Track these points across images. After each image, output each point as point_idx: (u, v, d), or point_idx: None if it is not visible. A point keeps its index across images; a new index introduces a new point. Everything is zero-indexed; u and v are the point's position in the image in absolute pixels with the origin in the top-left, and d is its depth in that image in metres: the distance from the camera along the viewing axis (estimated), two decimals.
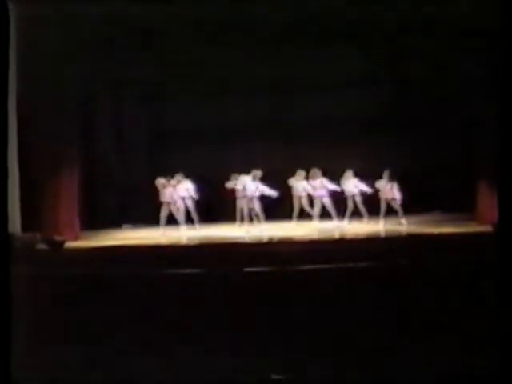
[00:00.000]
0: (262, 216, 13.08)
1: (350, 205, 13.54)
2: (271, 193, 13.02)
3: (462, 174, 13.54)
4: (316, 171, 13.29)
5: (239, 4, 10.12)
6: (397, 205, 13.01)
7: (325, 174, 13.35)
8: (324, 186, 13.23)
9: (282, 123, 15.64)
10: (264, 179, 13.15)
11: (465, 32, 11.14)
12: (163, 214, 13.00)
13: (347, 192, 13.51)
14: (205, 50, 12.09)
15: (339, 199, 13.62)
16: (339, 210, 13.60)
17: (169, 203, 13.03)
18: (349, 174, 13.50)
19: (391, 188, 13.03)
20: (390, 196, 13.09)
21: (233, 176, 13.32)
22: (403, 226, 12.69)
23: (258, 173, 13.12)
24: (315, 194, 13.33)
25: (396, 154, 14.86)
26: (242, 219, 13.29)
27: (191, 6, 10.17)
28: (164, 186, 13.02)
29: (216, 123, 15.66)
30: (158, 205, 13.20)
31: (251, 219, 13.19)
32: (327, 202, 13.24)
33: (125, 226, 14.61)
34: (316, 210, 13.36)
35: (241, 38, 11.50)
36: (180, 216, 13.23)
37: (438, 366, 5.37)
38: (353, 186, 13.43)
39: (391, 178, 13.10)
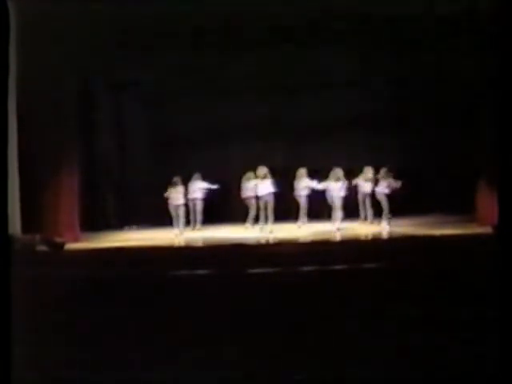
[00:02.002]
0: (260, 215, 12.92)
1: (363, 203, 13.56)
2: (271, 190, 12.78)
3: (461, 174, 13.55)
4: (339, 171, 13.00)
5: (239, 5, 10.12)
6: (385, 203, 12.96)
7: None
8: (342, 187, 12.95)
9: (282, 123, 15.65)
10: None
11: (465, 32, 11.14)
12: (181, 213, 13.00)
13: (362, 191, 13.48)
14: (205, 50, 12.10)
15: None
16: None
17: (180, 204, 13.05)
18: (368, 170, 13.37)
19: (387, 185, 13.01)
20: (384, 192, 13.07)
21: (246, 176, 13.25)
22: (386, 228, 12.66)
23: (264, 170, 12.85)
24: (332, 194, 13.10)
25: (396, 153, 14.88)
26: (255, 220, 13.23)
27: (191, 7, 10.17)
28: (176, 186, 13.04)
29: (216, 123, 15.67)
30: (158, 206, 13.21)
31: (256, 220, 13.13)
32: (338, 204, 12.94)
33: (127, 227, 14.61)
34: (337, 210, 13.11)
35: (241, 38, 11.51)
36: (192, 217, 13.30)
37: (439, 366, 5.36)
38: (369, 184, 13.34)
39: (387, 176, 13.06)
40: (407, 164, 14.76)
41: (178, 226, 12.90)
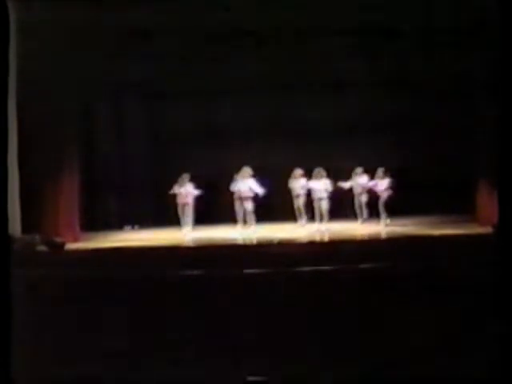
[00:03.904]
0: (253, 217, 12.95)
1: (358, 203, 13.58)
2: (259, 190, 12.82)
3: (462, 174, 13.54)
4: (320, 171, 13.18)
5: (239, 4, 10.12)
6: (383, 203, 12.96)
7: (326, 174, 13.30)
8: (326, 188, 13.10)
9: (282, 123, 15.64)
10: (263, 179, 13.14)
11: (465, 32, 11.14)
12: (181, 214, 13.07)
13: (356, 190, 13.52)
14: (205, 50, 12.09)
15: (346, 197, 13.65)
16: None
17: (184, 203, 13.04)
18: (359, 170, 13.48)
19: (383, 186, 13.01)
20: (380, 193, 13.07)
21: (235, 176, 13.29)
22: (386, 227, 12.65)
23: (248, 170, 12.96)
24: (316, 195, 13.21)
25: (396, 153, 14.88)
26: (243, 220, 13.26)
27: (191, 6, 10.17)
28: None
29: (216, 123, 15.66)
30: (158, 205, 13.20)
31: (245, 221, 13.16)
32: (324, 204, 13.11)
33: (126, 227, 14.59)
34: (317, 211, 13.25)
35: (241, 38, 11.50)
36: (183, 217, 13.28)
37: (438, 366, 5.36)
38: (362, 183, 13.38)
39: (384, 176, 13.07)
40: (407, 164, 14.75)
41: (185, 224, 12.91)
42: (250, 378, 5.30)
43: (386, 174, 13.08)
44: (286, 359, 5.56)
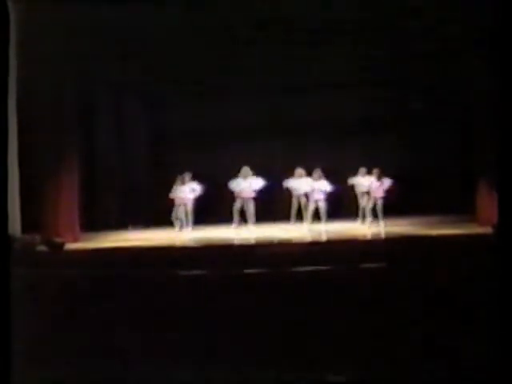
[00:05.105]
0: (253, 217, 12.97)
1: (362, 203, 13.59)
2: (259, 185, 12.86)
3: (462, 174, 13.55)
4: (319, 172, 13.19)
5: (238, 5, 10.12)
6: (380, 204, 12.98)
7: (325, 175, 13.31)
8: (323, 189, 13.12)
9: (282, 123, 15.65)
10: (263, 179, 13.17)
11: (465, 32, 11.15)
12: (175, 213, 13.09)
13: (358, 190, 13.52)
14: (205, 50, 12.10)
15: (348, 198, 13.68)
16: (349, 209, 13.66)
17: (180, 203, 13.06)
18: (363, 171, 13.48)
19: (379, 186, 13.03)
20: (377, 195, 13.08)
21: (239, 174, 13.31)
22: (382, 228, 12.67)
23: (247, 170, 12.98)
24: (314, 195, 13.22)
25: (396, 154, 14.89)
26: (244, 220, 13.26)
27: (191, 7, 10.18)
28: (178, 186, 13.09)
29: (216, 123, 15.66)
30: (159, 205, 13.20)
31: (245, 220, 13.16)
32: (322, 205, 13.12)
33: (130, 227, 14.57)
34: (319, 212, 13.22)
35: (241, 38, 11.51)
36: (184, 217, 13.28)
37: (438, 366, 5.36)
38: (365, 184, 13.39)
39: (380, 177, 13.08)
40: (407, 164, 14.76)
41: (183, 224, 12.90)
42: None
43: (381, 174, 13.08)
44: (286, 359, 5.56)
